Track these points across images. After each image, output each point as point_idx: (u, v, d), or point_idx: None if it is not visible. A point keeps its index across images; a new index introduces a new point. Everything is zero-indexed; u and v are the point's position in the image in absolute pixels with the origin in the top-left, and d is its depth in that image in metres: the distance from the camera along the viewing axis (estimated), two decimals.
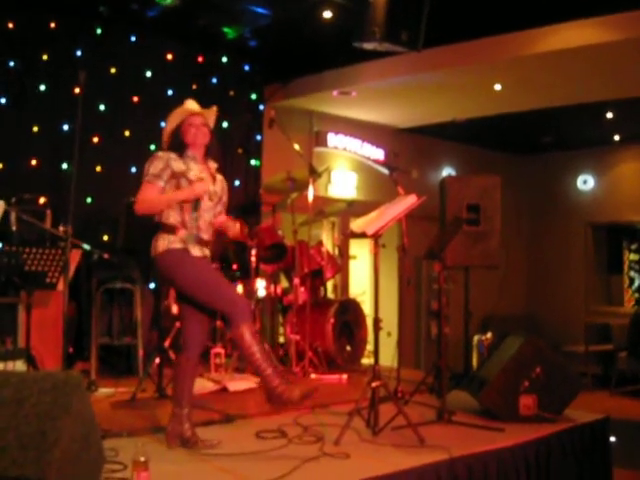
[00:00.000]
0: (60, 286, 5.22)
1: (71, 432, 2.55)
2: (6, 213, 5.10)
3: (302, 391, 3.72)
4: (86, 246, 5.14)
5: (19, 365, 4.64)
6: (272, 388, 3.71)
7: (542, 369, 4.58)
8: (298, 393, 3.70)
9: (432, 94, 8.18)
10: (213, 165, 4.03)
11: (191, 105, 3.99)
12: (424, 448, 3.90)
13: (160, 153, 3.86)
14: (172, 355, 5.39)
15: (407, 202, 4.24)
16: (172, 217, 3.78)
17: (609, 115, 9.22)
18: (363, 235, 4.15)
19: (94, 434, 2.83)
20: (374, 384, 4.15)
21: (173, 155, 3.83)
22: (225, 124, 7.55)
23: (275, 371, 3.76)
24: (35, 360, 4.92)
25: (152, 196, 3.76)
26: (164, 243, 3.76)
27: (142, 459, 2.99)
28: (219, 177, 4.04)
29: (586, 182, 11.65)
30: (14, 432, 2.47)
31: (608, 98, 8.16)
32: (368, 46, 5.45)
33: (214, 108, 4.03)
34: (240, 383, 5.52)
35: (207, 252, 3.87)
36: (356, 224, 4.34)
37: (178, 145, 3.88)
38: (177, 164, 3.80)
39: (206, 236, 3.86)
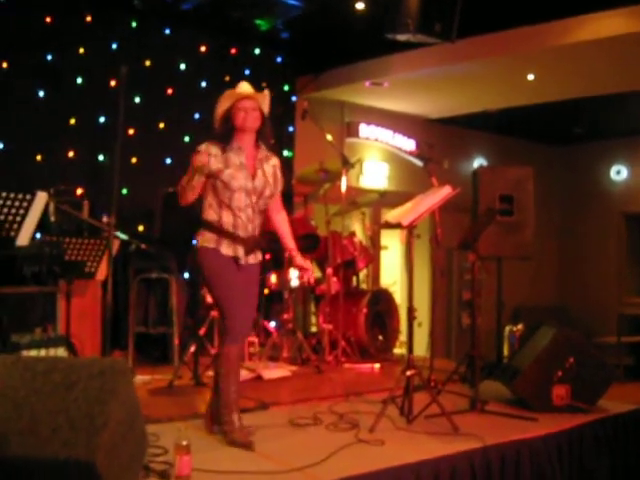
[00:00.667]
0: (99, 275, 5.35)
1: (118, 416, 2.64)
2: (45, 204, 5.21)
3: (239, 438, 3.69)
4: (125, 236, 5.23)
5: (60, 352, 4.74)
6: (223, 422, 3.77)
7: (575, 359, 4.59)
8: (242, 440, 3.68)
9: (464, 84, 8.16)
10: (263, 153, 3.92)
11: (243, 88, 3.87)
12: (458, 436, 3.94)
13: (203, 147, 3.78)
14: (210, 347, 5.48)
15: (442, 193, 4.26)
16: (210, 215, 3.80)
17: None
18: (398, 226, 4.18)
19: (138, 418, 2.91)
20: (409, 373, 4.19)
21: (214, 150, 3.76)
22: None
23: (234, 404, 3.79)
24: (75, 347, 5.04)
25: (181, 188, 3.75)
26: (200, 239, 3.81)
27: (184, 443, 3.07)
28: (268, 166, 3.92)
29: (619, 172, 11.54)
30: (64, 415, 2.56)
31: None
32: (401, 37, 5.47)
33: (266, 92, 3.90)
34: (274, 371, 5.59)
35: (240, 251, 3.78)
36: (391, 215, 4.37)
37: (228, 130, 3.81)
38: (216, 162, 3.74)
39: (243, 233, 3.79)
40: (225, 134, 3.82)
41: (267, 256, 6.66)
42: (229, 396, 3.79)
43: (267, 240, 6.49)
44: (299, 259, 4.13)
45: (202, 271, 3.84)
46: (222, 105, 3.83)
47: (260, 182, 3.85)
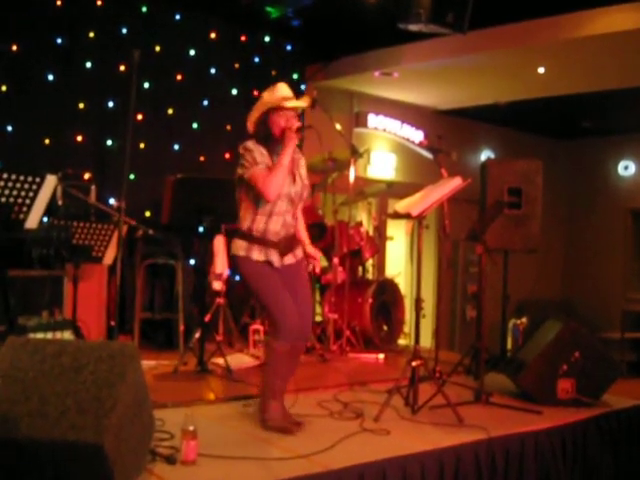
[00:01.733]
0: (106, 260, 5.36)
1: (126, 399, 2.65)
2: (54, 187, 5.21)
3: (281, 426, 3.75)
4: (133, 222, 5.23)
5: (67, 335, 4.76)
6: (263, 409, 3.81)
7: (581, 354, 4.59)
8: (278, 425, 3.74)
9: (475, 76, 8.14)
10: (296, 155, 3.89)
11: (285, 91, 3.81)
12: (463, 427, 3.95)
13: (251, 145, 3.74)
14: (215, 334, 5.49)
15: (452, 184, 4.25)
16: (242, 223, 3.78)
17: None
18: (408, 216, 4.18)
19: (146, 402, 2.92)
20: (414, 363, 4.20)
21: (264, 151, 3.74)
22: None
23: (278, 398, 3.80)
24: (81, 331, 5.06)
25: (274, 177, 3.64)
26: (233, 247, 3.80)
27: (191, 428, 3.08)
28: (302, 168, 3.90)
29: (627, 168, 11.50)
30: (73, 397, 2.57)
31: None
32: (413, 28, 5.43)
33: (306, 98, 3.89)
34: None
35: (273, 254, 3.76)
36: (400, 205, 4.35)
37: (268, 132, 3.77)
38: (263, 162, 3.71)
39: (274, 238, 3.76)
40: (267, 136, 3.77)
41: None
42: (273, 386, 3.79)
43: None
44: (309, 248, 4.06)
45: (242, 278, 3.89)
46: (263, 106, 3.78)
47: (299, 186, 3.84)
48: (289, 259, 3.84)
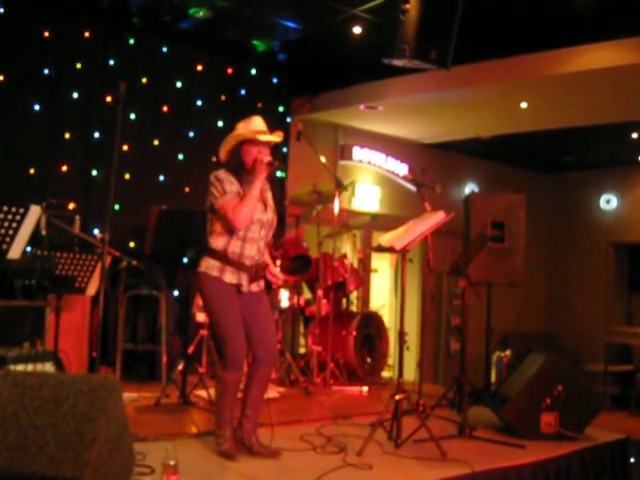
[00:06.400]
0: (89, 291, 5.32)
1: (106, 433, 2.62)
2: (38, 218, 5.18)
3: (225, 450, 3.84)
4: (118, 254, 5.22)
5: (47, 367, 4.70)
6: (216, 436, 3.91)
7: (564, 387, 4.60)
8: (223, 449, 3.84)
9: (458, 111, 8.22)
10: (265, 187, 3.99)
11: (259, 125, 3.94)
12: (446, 462, 3.94)
13: (222, 174, 3.84)
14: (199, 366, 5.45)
15: (436, 218, 4.28)
16: (215, 244, 3.85)
17: (634, 135, 9.23)
18: (391, 249, 4.19)
19: (126, 436, 2.89)
20: (398, 397, 4.19)
21: (233, 180, 3.85)
22: None
23: (227, 425, 3.89)
24: (62, 363, 5.00)
25: (244, 207, 3.74)
26: (204, 265, 3.85)
27: (172, 463, 3.05)
28: (269, 197, 4.02)
29: (609, 202, 11.63)
30: (52, 431, 2.54)
31: (633, 119, 8.17)
32: (398, 63, 5.47)
33: (279, 133, 3.97)
34: None
35: (244, 278, 3.84)
36: (384, 238, 4.37)
37: (240, 162, 3.88)
38: (238, 189, 3.82)
39: (249, 262, 3.85)
40: (238, 166, 3.89)
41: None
42: (223, 416, 3.88)
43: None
44: (272, 267, 4.11)
45: (202, 297, 3.91)
46: (236, 138, 3.91)
47: (270, 213, 3.96)
48: (255, 287, 3.94)
